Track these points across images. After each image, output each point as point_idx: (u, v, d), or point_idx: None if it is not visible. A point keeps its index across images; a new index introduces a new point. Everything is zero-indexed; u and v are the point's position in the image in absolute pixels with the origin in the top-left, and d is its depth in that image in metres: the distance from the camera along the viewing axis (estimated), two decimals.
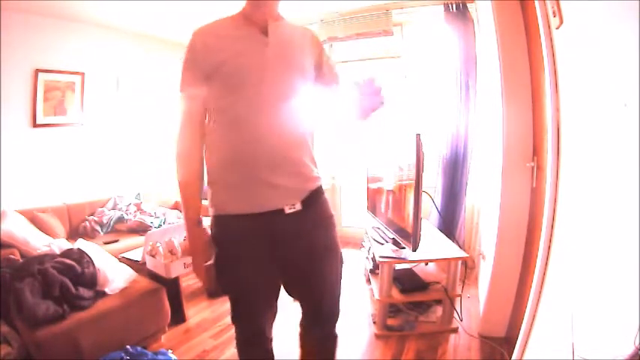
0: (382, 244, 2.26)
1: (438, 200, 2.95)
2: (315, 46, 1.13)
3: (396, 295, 2.09)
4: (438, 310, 2.20)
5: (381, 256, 2.05)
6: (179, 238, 2.27)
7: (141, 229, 3.06)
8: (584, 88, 1.07)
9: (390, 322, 2.15)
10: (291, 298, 1.20)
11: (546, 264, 1.31)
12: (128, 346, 1.71)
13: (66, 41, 3.11)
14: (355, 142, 3.21)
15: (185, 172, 1.07)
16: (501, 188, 1.81)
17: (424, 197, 1.91)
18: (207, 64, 0.99)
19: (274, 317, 1.22)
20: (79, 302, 1.74)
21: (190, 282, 2.76)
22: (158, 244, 2.21)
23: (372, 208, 2.70)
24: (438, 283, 2.16)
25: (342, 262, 1.19)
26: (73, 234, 2.96)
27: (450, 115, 2.88)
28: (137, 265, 2.28)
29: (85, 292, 1.80)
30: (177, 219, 3.31)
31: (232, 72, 0.98)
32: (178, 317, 2.22)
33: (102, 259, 2.06)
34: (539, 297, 1.35)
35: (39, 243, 2.35)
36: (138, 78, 3.71)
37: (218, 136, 1.03)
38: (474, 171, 2.84)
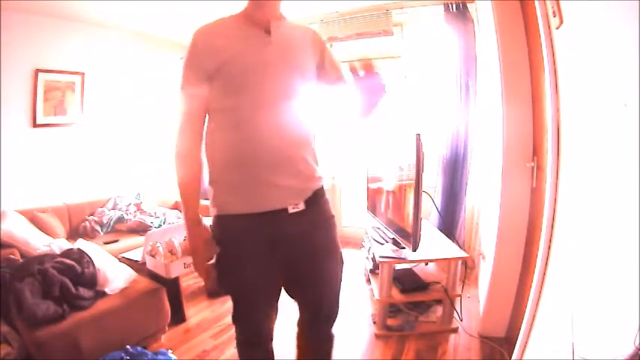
0: (382, 244, 2.26)
1: (438, 200, 2.95)
2: (318, 45, 1.13)
3: (396, 295, 2.09)
4: (438, 310, 2.20)
5: (381, 256, 2.05)
6: (179, 238, 2.27)
7: (141, 229, 3.05)
8: (584, 88, 1.07)
9: (390, 322, 2.14)
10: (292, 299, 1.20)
11: (546, 264, 1.31)
12: (128, 346, 1.71)
13: (66, 41, 3.11)
14: (359, 139, 3.20)
15: (185, 172, 1.07)
16: (501, 188, 1.81)
17: (424, 197, 1.91)
18: (209, 64, 0.99)
19: (276, 317, 1.22)
20: (79, 302, 1.74)
21: (190, 282, 2.76)
22: (158, 244, 2.21)
23: (372, 208, 2.70)
24: (438, 283, 2.16)
25: (342, 263, 1.19)
26: (73, 234, 2.96)
27: (450, 115, 2.88)
28: (137, 265, 2.28)
29: (85, 292, 1.80)
30: (177, 219, 3.31)
31: (235, 72, 0.98)
32: (178, 317, 2.22)
33: (102, 259, 2.06)
34: (539, 297, 1.35)
35: (39, 243, 2.35)
36: (138, 78, 3.71)
37: (221, 136, 1.03)
38: (474, 171, 2.84)
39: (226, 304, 2.43)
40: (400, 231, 2.09)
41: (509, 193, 1.80)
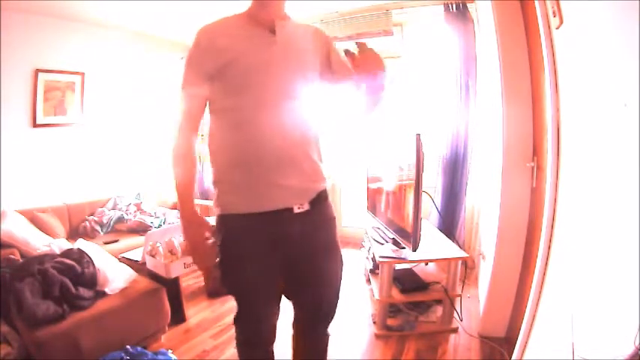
0: (382, 244, 2.26)
1: (438, 200, 2.95)
2: (325, 44, 1.12)
3: (396, 295, 2.09)
4: (438, 310, 2.20)
5: (381, 256, 2.05)
6: (179, 238, 2.27)
7: (141, 229, 3.05)
8: (584, 88, 1.07)
9: (390, 322, 2.14)
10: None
11: (546, 264, 1.31)
12: (128, 346, 1.71)
13: (66, 41, 3.11)
14: (359, 139, 3.20)
15: (183, 170, 1.06)
16: (501, 188, 1.81)
17: (424, 197, 1.91)
18: (213, 63, 0.98)
19: (278, 317, 1.22)
20: (79, 302, 1.74)
21: (190, 282, 2.76)
22: (158, 244, 2.21)
23: (372, 208, 2.70)
24: (438, 283, 2.16)
25: (342, 264, 1.19)
26: (73, 234, 2.96)
27: (450, 115, 2.88)
28: (137, 265, 2.28)
29: (85, 292, 1.80)
30: (177, 219, 3.30)
31: (239, 71, 0.97)
32: (178, 317, 2.22)
33: (102, 259, 2.06)
34: (539, 297, 1.34)
35: (39, 243, 2.35)
36: (138, 78, 3.71)
37: (224, 135, 1.03)
38: (474, 171, 2.84)
39: (226, 304, 2.43)
40: (400, 231, 2.09)
41: (509, 193, 1.80)
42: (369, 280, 2.63)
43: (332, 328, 1.26)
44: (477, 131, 2.77)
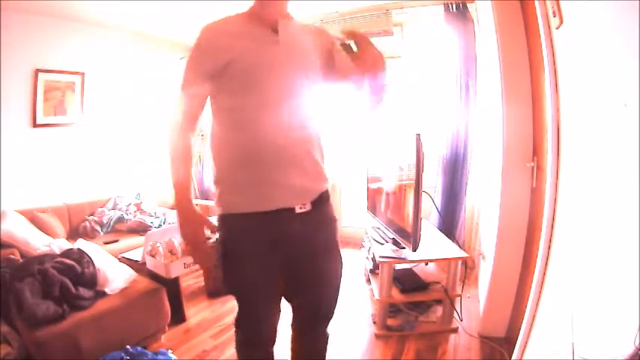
0: (382, 244, 2.26)
1: (438, 200, 2.95)
2: (327, 43, 1.11)
3: (396, 295, 2.09)
4: (438, 310, 2.20)
5: (381, 256, 2.05)
6: (179, 238, 2.26)
7: (141, 229, 3.05)
8: (584, 88, 1.07)
9: (390, 322, 2.14)
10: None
11: (546, 264, 1.31)
12: (128, 346, 1.71)
13: (66, 41, 3.11)
14: (359, 139, 3.19)
15: (180, 169, 1.06)
16: (501, 188, 1.81)
17: (424, 197, 1.91)
18: (213, 64, 0.98)
19: (279, 318, 1.22)
20: (79, 302, 1.74)
21: (190, 282, 2.76)
22: (158, 244, 2.21)
23: (372, 208, 2.70)
24: (438, 283, 2.16)
25: (342, 265, 1.19)
26: (73, 234, 2.96)
27: (450, 115, 2.88)
28: (137, 265, 2.28)
29: (85, 292, 1.80)
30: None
31: (242, 70, 0.97)
32: (178, 317, 2.22)
33: (102, 259, 2.06)
34: (539, 297, 1.35)
35: (39, 243, 2.35)
36: (138, 78, 3.71)
37: (226, 135, 1.02)
38: (474, 171, 2.84)
39: (226, 304, 2.43)
40: (400, 231, 2.09)
41: (509, 193, 1.80)
42: (369, 280, 2.63)
43: (331, 328, 1.26)
44: (477, 131, 2.77)
